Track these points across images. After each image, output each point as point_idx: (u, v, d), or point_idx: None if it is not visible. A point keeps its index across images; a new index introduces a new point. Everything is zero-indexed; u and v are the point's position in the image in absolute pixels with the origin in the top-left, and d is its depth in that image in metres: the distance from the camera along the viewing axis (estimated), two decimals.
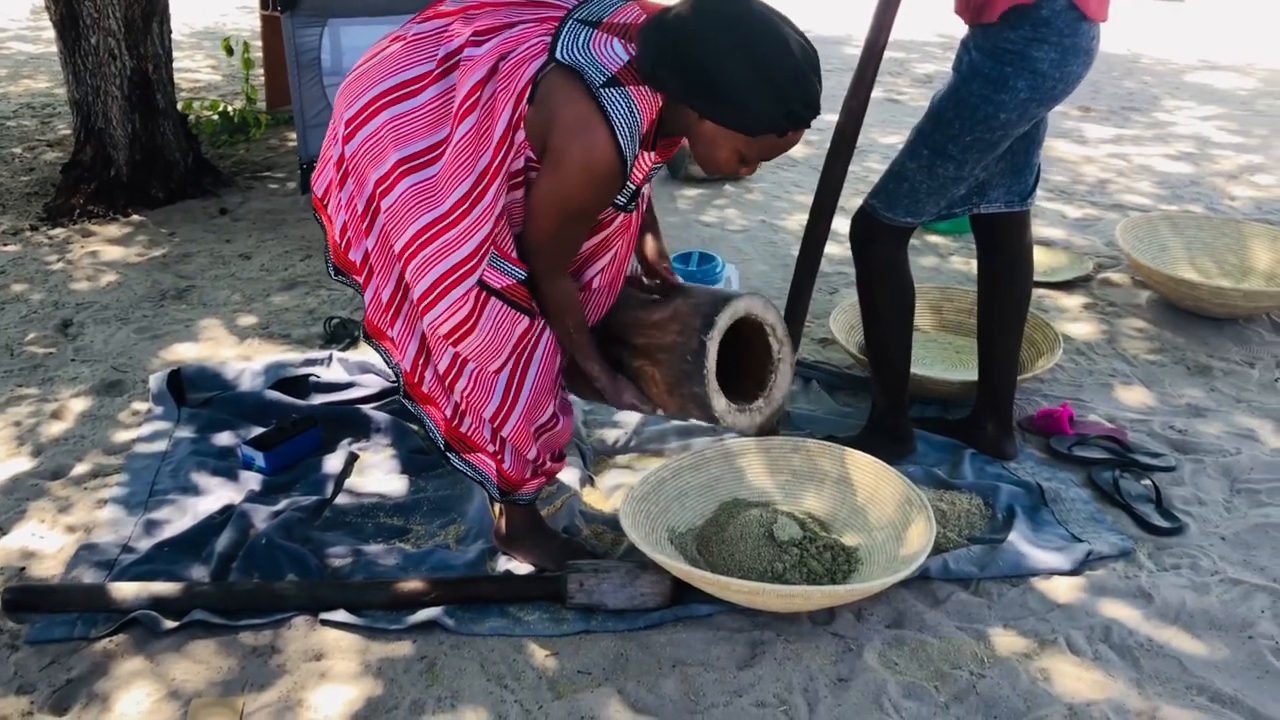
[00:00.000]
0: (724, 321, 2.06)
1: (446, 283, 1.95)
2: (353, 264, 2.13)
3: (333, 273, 2.22)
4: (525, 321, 2.03)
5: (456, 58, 1.92)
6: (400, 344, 2.11)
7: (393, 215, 1.96)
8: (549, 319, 2.08)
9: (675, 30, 1.81)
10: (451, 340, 2.01)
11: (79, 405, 2.96)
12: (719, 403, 2.09)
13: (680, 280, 2.27)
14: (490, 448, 2.15)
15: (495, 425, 2.12)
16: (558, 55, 1.87)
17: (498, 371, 2.06)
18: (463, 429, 2.14)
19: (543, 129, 1.88)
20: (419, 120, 1.92)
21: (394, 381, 2.87)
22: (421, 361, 2.10)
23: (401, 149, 1.92)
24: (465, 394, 2.08)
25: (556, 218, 1.94)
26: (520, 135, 1.90)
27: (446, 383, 2.09)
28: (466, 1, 2.00)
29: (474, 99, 1.88)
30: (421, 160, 1.92)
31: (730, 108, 1.81)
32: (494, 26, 1.93)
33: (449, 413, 2.13)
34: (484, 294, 1.97)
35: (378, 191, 1.97)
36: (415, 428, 2.79)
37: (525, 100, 1.87)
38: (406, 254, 1.97)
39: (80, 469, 2.66)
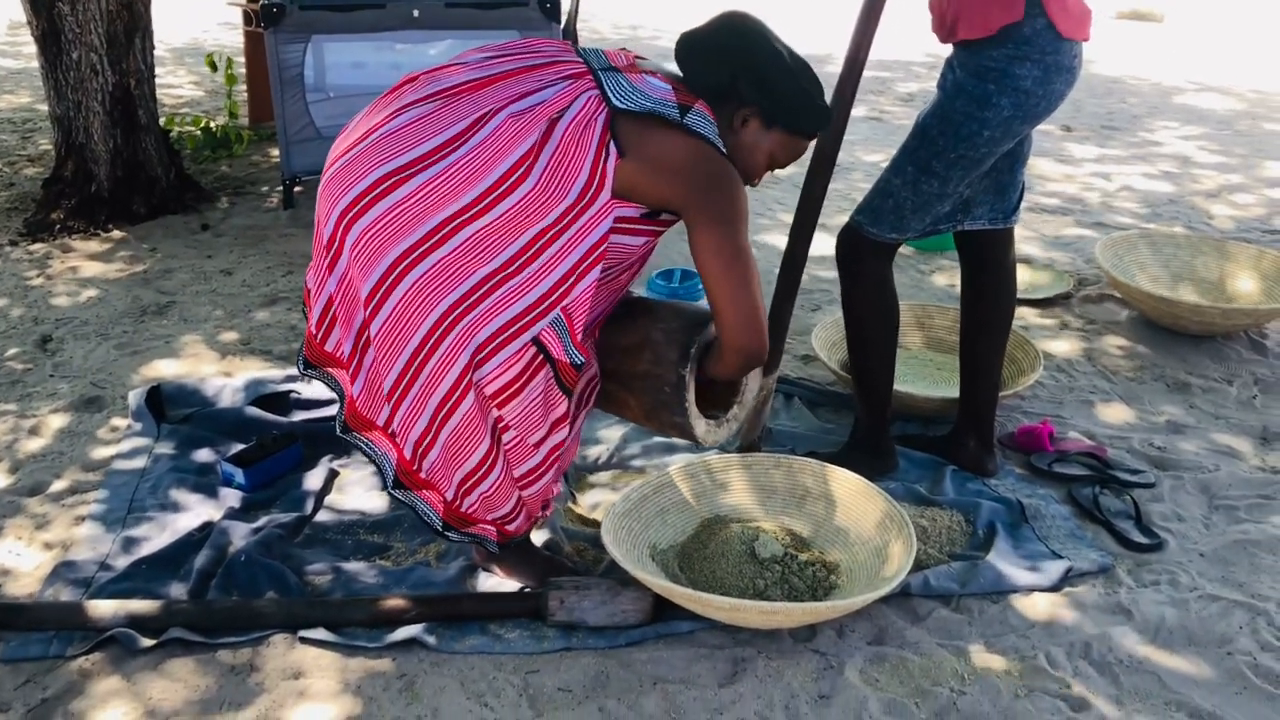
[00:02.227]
0: (699, 350, 2.07)
1: (508, 333, 1.91)
2: (330, 355, 2.07)
3: (302, 368, 2.14)
4: (565, 403, 2.00)
5: (486, 127, 1.86)
6: (403, 428, 2.00)
7: (428, 282, 1.87)
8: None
9: (737, 42, 1.97)
10: (498, 401, 1.96)
11: (57, 421, 2.94)
12: (699, 427, 2.11)
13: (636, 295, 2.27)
14: (493, 516, 2.12)
15: (521, 485, 2.09)
16: (617, 104, 1.88)
17: (536, 445, 2.03)
18: (463, 508, 2.10)
19: (644, 176, 1.88)
20: (445, 189, 1.85)
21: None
22: (426, 443, 2.01)
23: (428, 220, 1.85)
24: (504, 449, 2.03)
25: (743, 263, 1.91)
26: (605, 197, 1.88)
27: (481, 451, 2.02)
28: (452, 80, 1.93)
29: (530, 161, 1.84)
30: (454, 225, 1.85)
31: (789, 110, 1.99)
32: (525, 92, 1.89)
33: (450, 494, 2.07)
34: (540, 358, 1.94)
35: (397, 270, 1.87)
36: None
37: (610, 152, 1.86)
38: (455, 314, 1.89)
39: (58, 485, 2.64)
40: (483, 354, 1.92)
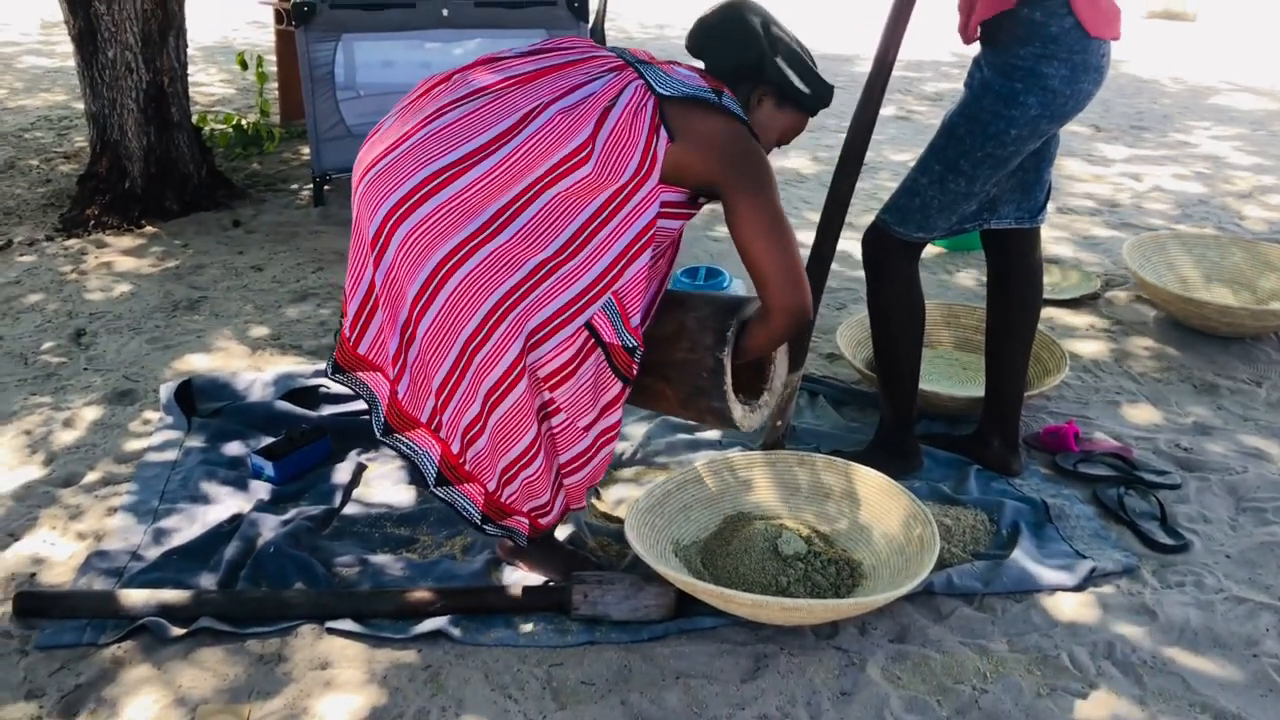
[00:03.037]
0: (734, 335, 2.09)
1: (558, 320, 1.95)
2: (363, 359, 2.09)
3: (330, 372, 2.16)
4: (619, 387, 2.05)
5: (535, 121, 1.90)
6: (452, 418, 2.02)
7: (480, 275, 1.90)
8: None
9: (752, 25, 2.06)
10: (550, 384, 2.01)
11: (91, 414, 2.99)
12: (737, 411, 2.14)
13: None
14: (531, 505, 2.14)
15: (564, 471, 2.13)
16: (661, 91, 1.96)
17: (585, 429, 2.07)
18: (503, 498, 2.12)
19: (690, 155, 1.95)
20: (495, 184, 1.88)
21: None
22: (475, 430, 2.02)
23: (479, 215, 1.89)
24: (550, 433, 2.08)
25: (779, 228, 1.97)
26: (653, 181, 1.93)
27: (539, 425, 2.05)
28: (494, 76, 1.97)
29: (585, 151, 1.89)
30: (506, 216, 1.89)
31: (804, 91, 2.11)
32: (572, 86, 1.95)
33: (493, 485, 2.10)
34: (591, 342, 1.98)
35: (448, 265, 1.90)
36: None
37: (661, 136, 1.93)
38: (508, 303, 1.92)
39: (91, 477, 2.68)
40: (535, 338, 1.96)
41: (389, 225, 1.91)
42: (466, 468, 2.09)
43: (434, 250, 1.89)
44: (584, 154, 1.89)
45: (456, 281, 1.91)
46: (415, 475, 2.69)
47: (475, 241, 1.89)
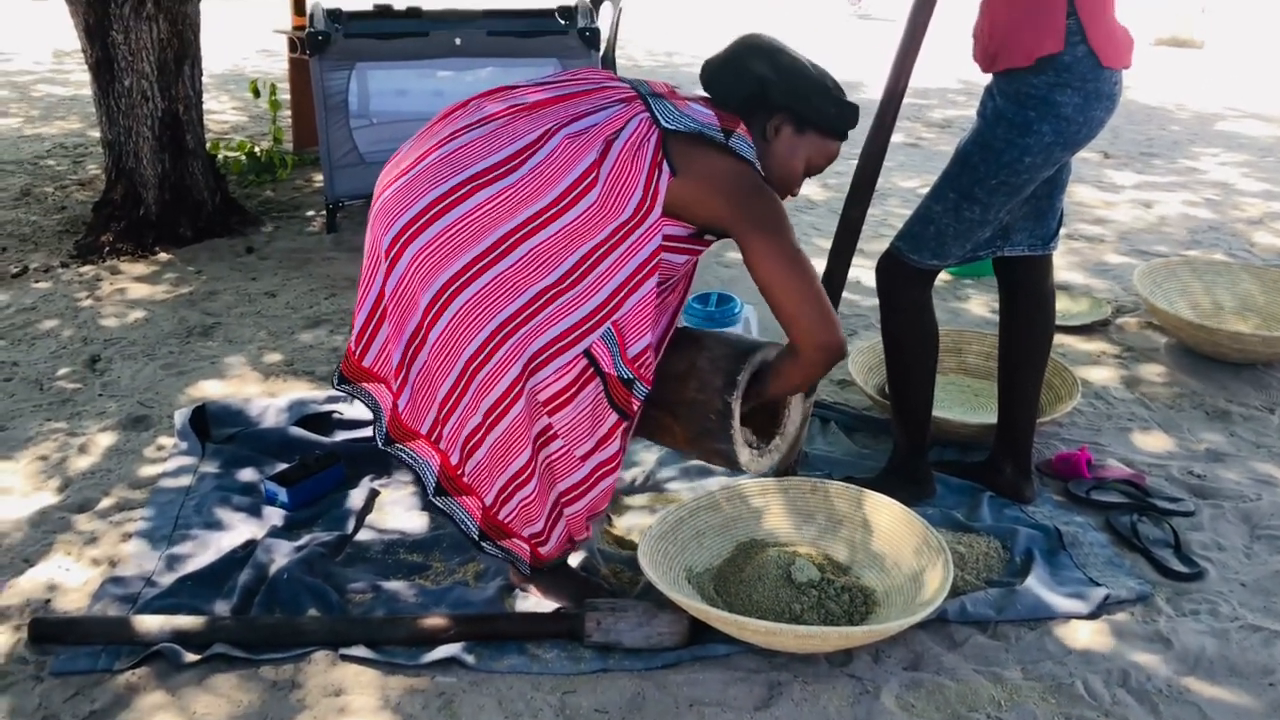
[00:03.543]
0: (745, 379, 2.09)
1: (557, 346, 1.97)
2: (368, 371, 2.12)
3: (336, 382, 2.18)
4: (614, 419, 2.05)
5: (544, 146, 1.93)
6: (452, 431, 2.04)
7: (486, 295, 1.92)
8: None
9: (758, 54, 2.07)
10: (549, 408, 2.01)
11: (106, 440, 3.00)
12: (744, 455, 2.13)
13: (684, 324, 2.31)
14: (529, 531, 2.15)
15: (563, 500, 2.13)
16: (667, 125, 1.97)
17: (583, 459, 2.07)
18: (501, 516, 2.13)
19: (693, 192, 1.95)
20: (505, 206, 1.91)
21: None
22: (474, 443, 2.03)
23: (488, 236, 1.91)
24: (548, 461, 2.07)
25: (797, 266, 1.97)
26: (656, 214, 1.94)
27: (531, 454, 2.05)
28: (507, 102, 2.01)
29: (590, 178, 1.92)
30: (514, 239, 1.91)
31: (817, 111, 2.08)
32: (579, 114, 1.97)
33: (490, 499, 2.10)
34: (591, 370, 1.99)
35: (458, 282, 1.92)
36: None
37: (663, 171, 1.93)
38: (510, 326, 1.94)
39: (106, 503, 2.70)
40: (537, 362, 1.97)
41: (401, 242, 1.95)
42: (465, 479, 2.10)
43: (441, 270, 1.92)
44: (589, 179, 1.92)
45: (460, 304, 1.93)
46: (428, 502, 2.69)
47: (481, 264, 1.92)
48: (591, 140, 1.94)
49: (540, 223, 1.91)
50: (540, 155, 1.93)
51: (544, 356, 1.97)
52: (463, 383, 1.99)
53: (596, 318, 1.97)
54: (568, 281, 1.94)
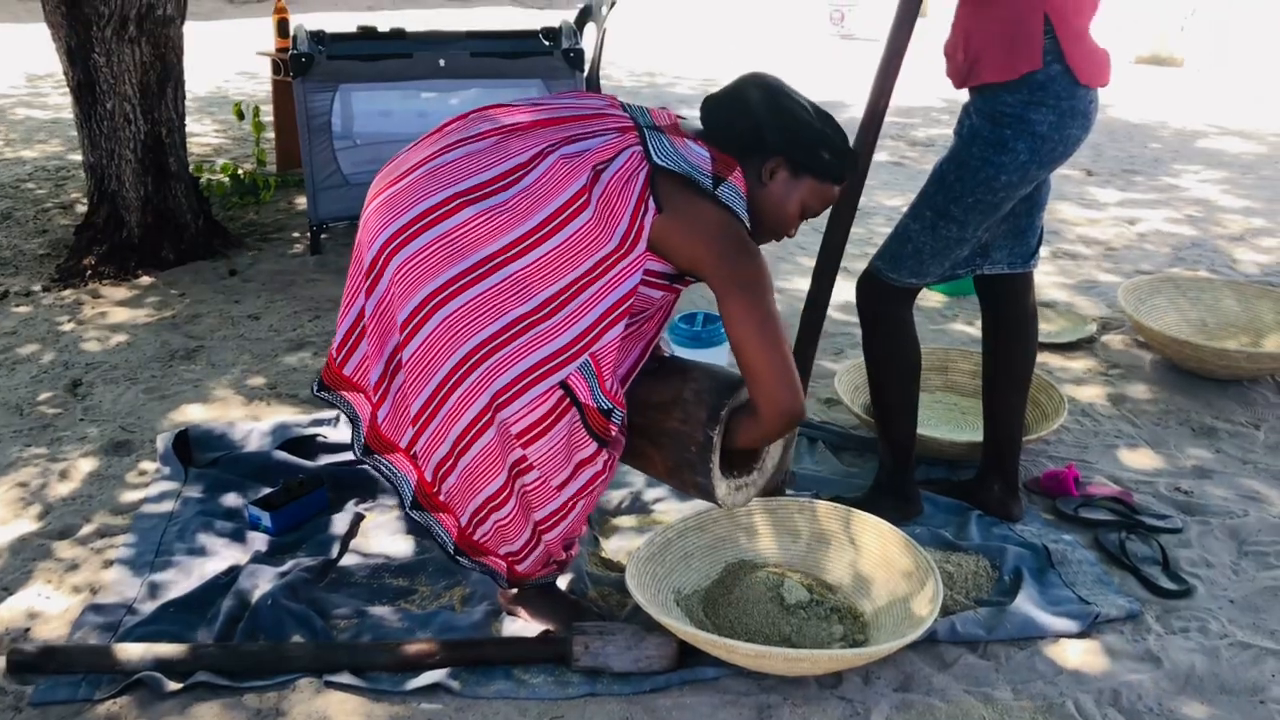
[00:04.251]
0: (728, 414, 2.08)
1: (530, 378, 1.93)
2: (347, 380, 2.11)
3: (316, 389, 2.18)
4: (593, 447, 2.01)
5: (537, 168, 1.91)
6: (425, 452, 2.02)
7: (464, 316, 1.91)
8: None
9: (757, 96, 2.03)
10: (523, 440, 1.98)
11: (87, 465, 2.98)
12: (721, 489, 2.12)
13: (670, 353, 2.30)
14: (505, 550, 2.13)
15: (541, 529, 2.11)
16: (658, 161, 1.94)
17: (559, 488, 2.04)
18: (475, 536, 2.12)
19: (678, 235, 1.92)
20: (491, 225, 1.89)
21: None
22: (446, 468, 2.03)
23: (472, 255, 1.89)
24: (524, 491, 2.05)
25: (769, 325, 1.93)
26: (640, 249, 1.92)
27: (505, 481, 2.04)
28: (504, 121, 2.00)
29: (581, 201, 1.90)
30: (497, 261, 1.90)
31: (815, 157, 2.04)
32: (574, 136, 1.96)
33: (464, 520, 2.09)
34: (566, 401, 1.96)
35: (437, 299, 1.91)
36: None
37: (649, 207, 1.91)
38: (484, 350, 1.92)
39: (87, 529, 2.67)
40: (506, 396, 1.94)
41: (385, 254, 1.94)
42: (441, 498, 2.09)
43: (423, 284, 1.91)
44: (578, 204, 1.90)
45: (439, 320, 1.92)
46: (414, 525, 2.68)
47: (463, 281, 1.90)
48: (583, 166, 1.91)
49: (525, 246, 1.89)
50: (532, 176, 1.91)
51: (516, 389, 1.94)
52: (433, 405, 1.97)
53: (573, 349, 1.93)
54: (546, 310, 1.91)
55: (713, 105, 2.08)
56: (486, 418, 1.95)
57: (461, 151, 1.96)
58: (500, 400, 1.94)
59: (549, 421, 1.96)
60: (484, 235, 1.89)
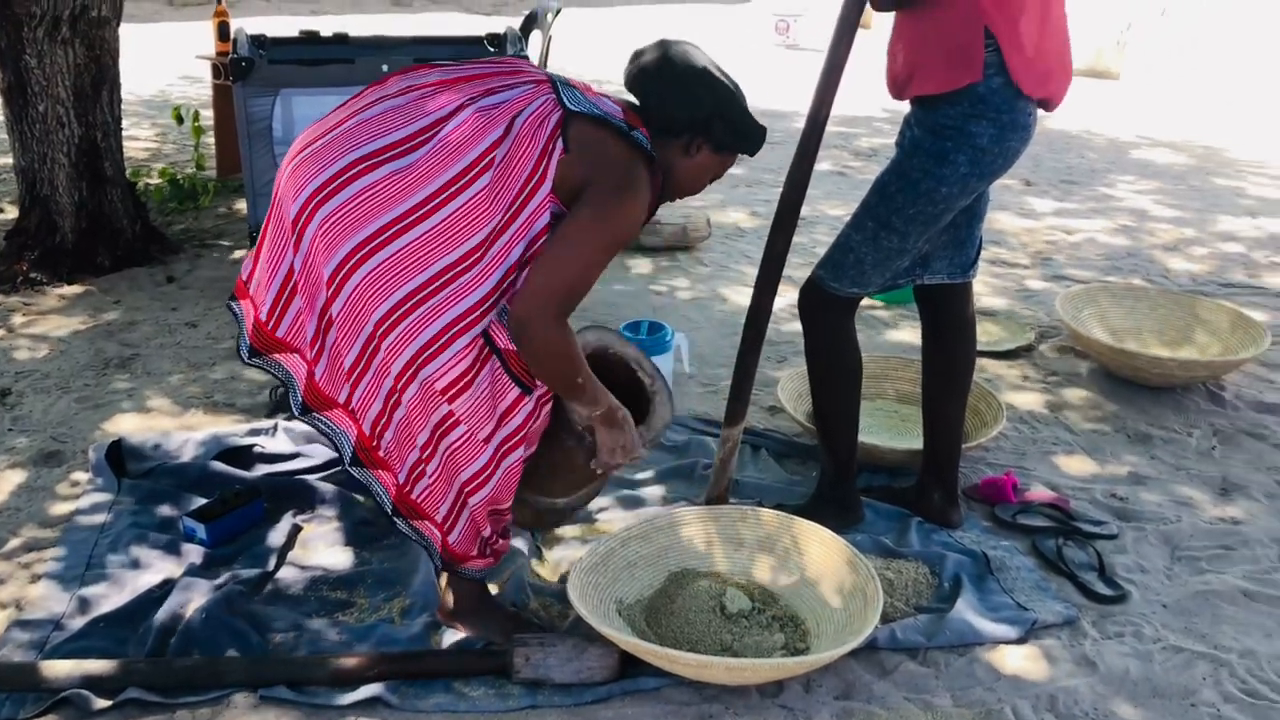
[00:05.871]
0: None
1: (453, 331, 1.95)
2: (281, 341, 2.11)
3: (247, 356, 2.17)
4: (517, 392, 2.04)
5: (454, 120, 1.95)
6: (361, 408, 2.05)
7: (387, 269, 1.91)
8: (550, 371, 2.00)
9: (670, 71, 2.09)
10: (448, 395, 2.00)
11: (15, 477, 2.90)
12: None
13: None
14: (438, 516, 2.13)
15: (466, 490, 2.10)
16: (571, 107, 1.99)
17: (486, 440, 2.05)
18: (414, 495, 2.11)
19: (583, 172, 1.97)
20: (412, 178, 1.92)
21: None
22: (382, 423, 2.05)
23: (394, 208, 1.91)
24: (450, 450, 2.06)
25: (596, 251, 1.96)
26: (545, 189, 1.95)
27: (432, 443, 2.06)
28: (425, 78, 2.05)
29: (493, 155, 1.93)
30: (419, 214, 1.91)
31: (744, 139, 2.14)
32: (492, 90, 2.01)
33: (403, 477, 2.09)
34: (487, 350, 1.99)
35: (359, 254, 1.92)
36: (362, 498, 2.76)
37: (557, 146, 1.95)
38: (409, 304, 1.93)
39: (14, 543, 2.60)
40: (430, 350, 1.96)
41: (308, 210, 1.95)
42: (380, 454, 2.09)
43: (348, 237, 1.92)
44: (490, 158, 1.93)
45: (364, 273, 1.93)
46: (353, 537, 2.64)
47: (389, 234, 1.92)
48: (499, 118, 1.96)
49: (446, 197, 1.92)
50: (447, 130, 1.95)
51: (439, 344, 1.96)
52: (364, 358, 1.99)
53: (493, 299, 1.97)
54: (469, 260, 1.94)
55: (658, 83, 2.11)
56: (410, 372, 1.98)
57: (382, 108, 2.00)
58: (423, 357, 1.96)
59: (472, 373, 1.99)
60: (406, 188, 1.92)
